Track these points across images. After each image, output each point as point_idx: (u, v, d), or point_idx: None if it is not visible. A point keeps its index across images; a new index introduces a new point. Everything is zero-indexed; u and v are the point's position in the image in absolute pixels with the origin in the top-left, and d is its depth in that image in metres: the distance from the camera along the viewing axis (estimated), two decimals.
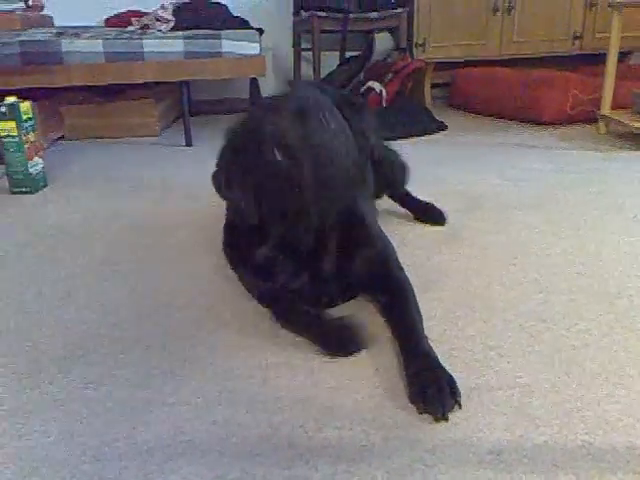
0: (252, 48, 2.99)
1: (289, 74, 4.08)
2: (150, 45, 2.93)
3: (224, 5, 3.57)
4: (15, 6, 3.45)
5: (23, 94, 2.39)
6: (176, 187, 2.32)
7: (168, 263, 1.59)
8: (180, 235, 1.77)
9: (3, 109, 2.21)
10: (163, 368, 1.09)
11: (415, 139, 3.03)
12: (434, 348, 1.05)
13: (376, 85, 3.29)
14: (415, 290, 1.23)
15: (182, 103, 3.11)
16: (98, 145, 3.25)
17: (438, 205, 1.79)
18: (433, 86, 3.90)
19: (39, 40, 2.91)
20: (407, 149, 2.77)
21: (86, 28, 3.45)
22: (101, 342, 1.19)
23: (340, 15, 3.43)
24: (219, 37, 2.96)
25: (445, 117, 3.39)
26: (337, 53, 3.57)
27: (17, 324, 1.29)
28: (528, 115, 3.28)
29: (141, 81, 3.03)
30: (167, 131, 3.56)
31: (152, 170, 2.63)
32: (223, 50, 2.96)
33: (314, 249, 1.20)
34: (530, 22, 3.71)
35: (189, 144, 3.10)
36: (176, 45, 2.94)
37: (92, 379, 1.07)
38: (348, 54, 3.56)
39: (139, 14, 3.53)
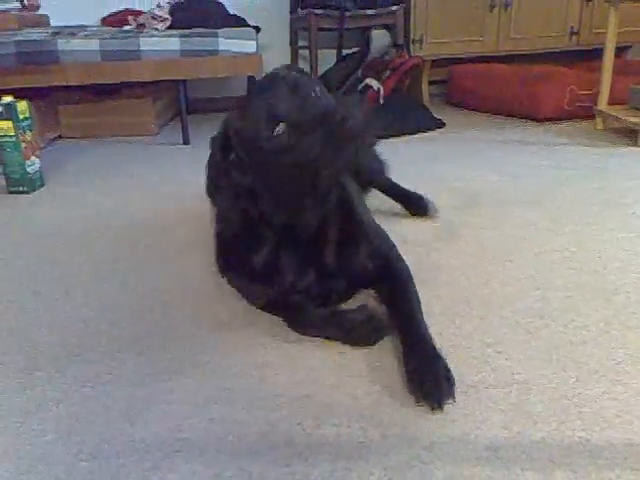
0: (249, 46, 2.99)
1: None
2: (147, 44, 2.93)
3: (220, 3, 3.57)
4: (11, 6, 3.45)
5: (20, 94, 2.39)
6: (174, 185, 2.31)
7: (166, 262, 1.59)
8: (178, 234, 1.77)
9: (0, 109, 2.21)
10: (160, 366, 1.09)
11: (413, 136, 3.03)
12: None
13: (374, 83, 3.28)
14: None
15: (179, 102, 3.11)
16: (95, 144, 3.25)
17: (431, 199, 1.80)
18: (430, 83, 3.90)
19: (35, 40, 2.90)
20: (405, 146, 2.80)
21: (82, 27, 3.44)
22: (99, 340, 1.19)
23: (337, 12, 3.43)
24: (216, 35, 2.95)
25: (443, 114, 3.39)
26: (334, 51, 3.57)
27: (15, 323, 1.29)
28: (525, 111, 3.28)
29: (138, 80, 3.02)
30: (164, 130, 3.56)
31: (150, 169, 2.63)
32: (220, 48, 2.95)
33: (315, 242, 1.19)
34: (527, 18, 3.70)
35: (186, 142, 3.11)
36: (173, 44, 2.93)
37: (89, 377, 1.06)
38: (345, 51, 3.56)
39: (135, 13, 3.53)
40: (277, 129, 1.04)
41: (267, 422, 0.92)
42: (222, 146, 1.14)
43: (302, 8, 3.58)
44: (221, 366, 1.08)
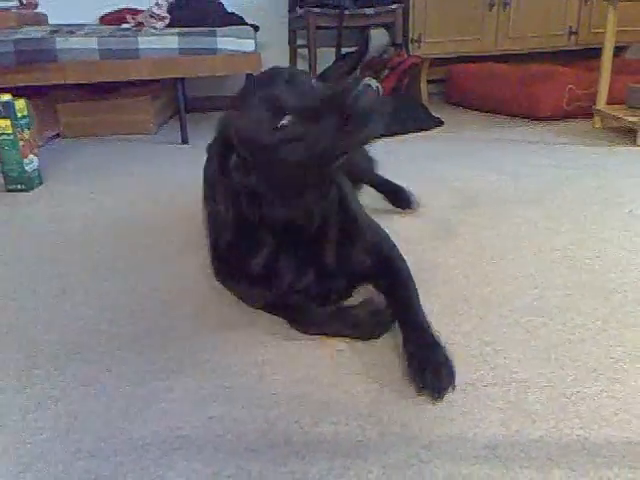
0: (247, 45, 2.98)
1: None
2: (145, 42, 2.92)
3: (219, 2, 3.56)
4: (10, 4, 3.44)
5: (18, 92, 2.38)
6: (173, 184, 2.31)
7: (165, 261, 1.59)
8: (177, 233, 1.77)
9: None
10: (160, 365, 1.09)
11: (412, 135, 3.03)
12: None
13: (372, 82, 3.26)
14: None
15: (178, 100, 3.11)
16: (94, 143, 3.25)
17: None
18: (429, 82, 3.90)
19: (34, 38, 2.89)
20: (404, 145, 2.80)
21: (81, 26, 3.43)
22: (98, 339, 1.19)
23: (336, 11, 3.43)
24: (214, 34, 2.95)
25: (442, 113, 3.39)
26: (333, 49, 3.56)
27: (14, 321, 1.29)
28: (524, 111, 3.28)
29: (136, 78, 3.02)
30: (163, 128, 3.56)
31: (148, 167, 2.63)
32: (218, 47, 2.95)
33: (315, 242, 1.18)
34: (526, 17, 3.71)
35: (185, 141, 3.10)
36: (171, 42, 2.93)
37: (88, 376, 1.06)
38: (344, 50, 3.55)
39: (134, 11, 3.53)
40: (283, 121, 1.00)
41: (266, 420, 0.92)
42: (221, 150, 1.10)
43: (300, 7, 3.57)
44: (220, 365, 1.08)
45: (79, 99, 3.41)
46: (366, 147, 1.70)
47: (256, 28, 3.25)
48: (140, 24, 3.21)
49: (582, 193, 1.96)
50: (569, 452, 0.82)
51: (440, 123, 3.24)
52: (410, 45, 3.68)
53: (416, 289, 1.20)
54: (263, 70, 1.15)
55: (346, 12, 3.44)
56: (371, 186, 1.84)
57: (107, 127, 3.40)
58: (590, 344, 1.09)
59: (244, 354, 1.11)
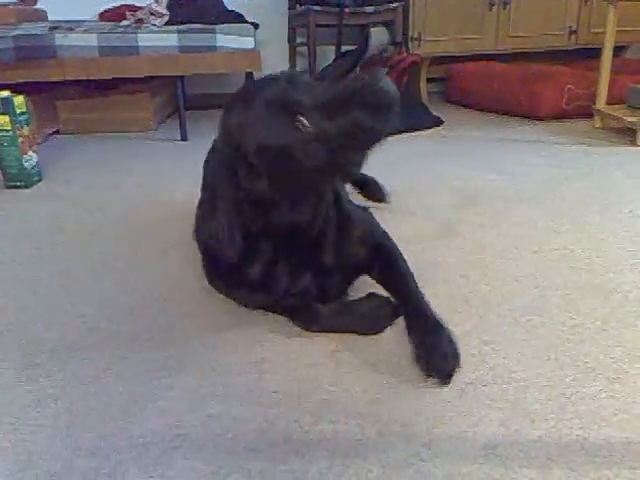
0: (247, 42, 2.98)
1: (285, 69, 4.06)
2: (144, 39, 2.92)
3: None
4: (9, 0, 3.44)
5: (17, 89, 2.38)
6: (172, 181, 2.31)
7: (164, 258, 1.58)
8: (176, 229, 1.76)
9: None
10: (159, 363, 1.09)
11: (411, 134, 3.03)
12: None
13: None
14: None
15: (177, 97, 3.10)
16: (93, 140, 3.24)
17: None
18: (429, 81, 3.90)
19: (33, 34, 2.88)
20: (403, 144, 2.79)
21: (80, 22, 3.42)
22: (97, 337, 1.19)
23: (336, 9, 3.42)
24: (214, 31, 2.94)
25: (441, 112, 3.39)
26: (333, 47, 3.56)
27: (13, 319, 1.29)
28: (524, 110, 3.28)
29: (136, 76, 3.02)
30: (162, 126, 3.55)
31: (147, 165, 2.62)
32: (218, 44, 2.94)
33: (315, 243, 1.17)
34: (526, 17, 3.71)
35: (184, 138, 3.10)
36: (170, 39, 2.92)
37: (88, 374, 1.06)
38: (344, 48, 3.55)
39: (133, 8, 3.51)
40: (302, 120, 0.95)
41: (265, 419, 0.92)
42: (226, 160, 1.04)
43: (301, 4, 3.57)
44: (220, 363, 1.08)
45: (78, 96, 3.41)
46: None
47: (256, 26, 3.25)
48: (140, 21, 3.21)
49: (582, 193, 1.97)
50: (568, 452, 0.83)
51: (440, 122, 3.24)
52: (410, 43, 3.67)
53: (410, 272, 1.20)
54: (255, 80, 1.11)
55: (346, 10, 3.43)
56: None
57: (106, 124, 3.39)
58: (589, 344, 1.09)
59: (244, 352, 1.11)
